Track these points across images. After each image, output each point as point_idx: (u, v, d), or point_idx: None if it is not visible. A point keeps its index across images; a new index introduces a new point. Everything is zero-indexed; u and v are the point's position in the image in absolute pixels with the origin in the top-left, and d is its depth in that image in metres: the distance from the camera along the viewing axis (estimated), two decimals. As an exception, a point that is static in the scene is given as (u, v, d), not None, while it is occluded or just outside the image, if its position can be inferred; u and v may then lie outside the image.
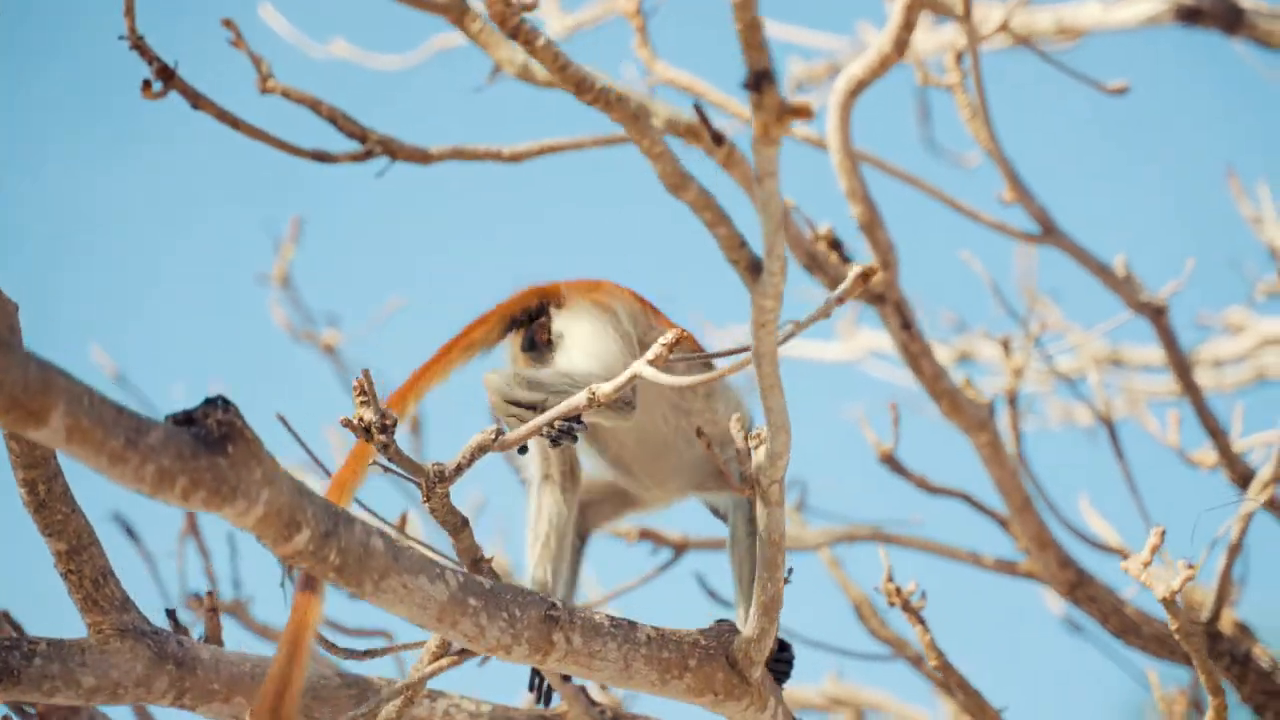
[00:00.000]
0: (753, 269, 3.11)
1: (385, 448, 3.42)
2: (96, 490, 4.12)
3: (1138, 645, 6.02)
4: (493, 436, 3.53)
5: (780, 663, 4.32)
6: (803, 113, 2.73)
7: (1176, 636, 4.33)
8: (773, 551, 3.73)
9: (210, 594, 4.08)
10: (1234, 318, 8.53)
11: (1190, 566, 4.45)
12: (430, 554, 3.44)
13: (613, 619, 3.71)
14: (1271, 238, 8.06)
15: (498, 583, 3.59)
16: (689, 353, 3.93)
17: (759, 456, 3.64)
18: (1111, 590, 6.00)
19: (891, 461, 5.86)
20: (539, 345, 4.28)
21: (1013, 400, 5.99)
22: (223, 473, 2.88)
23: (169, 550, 5.52)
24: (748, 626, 3.82)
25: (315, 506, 3.13)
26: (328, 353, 7.57)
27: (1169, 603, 4.25)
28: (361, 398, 3.38)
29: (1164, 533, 4.29)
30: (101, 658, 3.71)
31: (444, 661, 3.66)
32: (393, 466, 3.49)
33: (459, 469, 3.55)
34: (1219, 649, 6.06)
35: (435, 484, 3.55)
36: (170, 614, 3.89)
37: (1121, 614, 5.95)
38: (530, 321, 4.29)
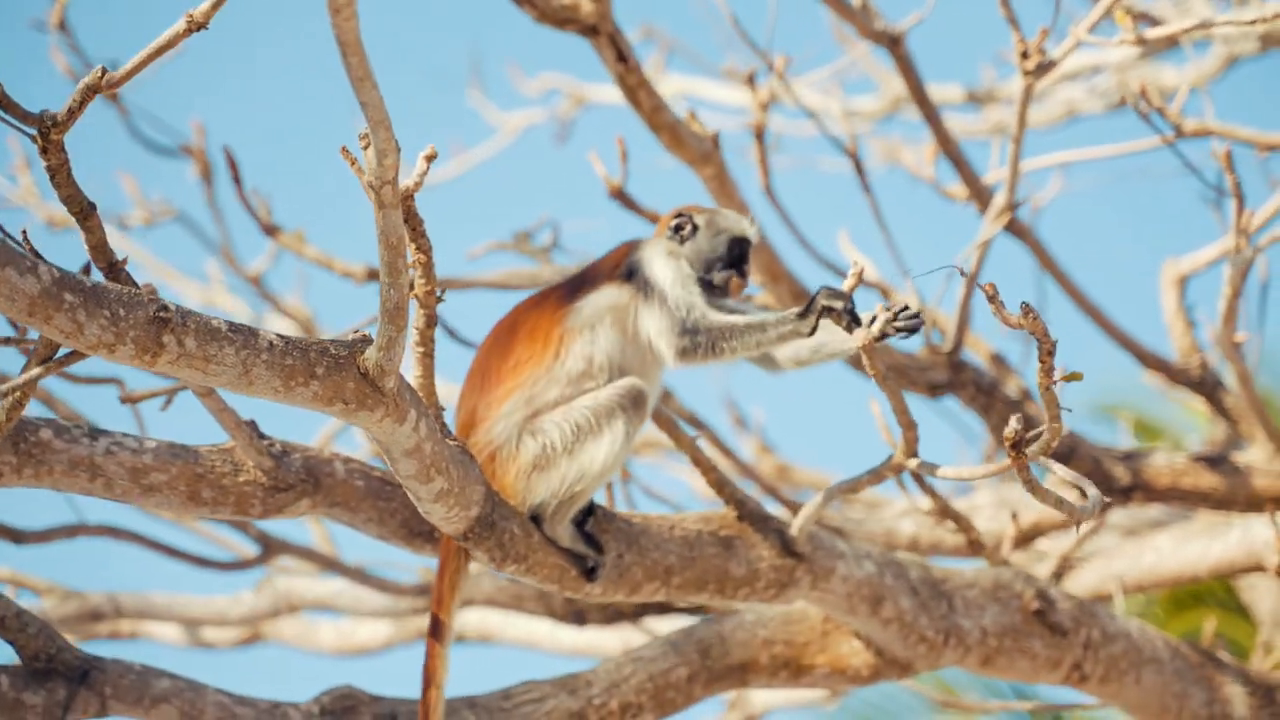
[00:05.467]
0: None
1: None
2: None
3: (885, 391, 6.07)
4: (99, 75, 3.49)
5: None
6: None
7: (870, 374, 4.38)
8: (392, 256, 3.70)
9: None
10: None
11: (887, 309, 4.49)
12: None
13: (233, 324, 3.68)
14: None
15: (106, 283, 3.55)
16: None
17: (368, 158, 3.59)
18: (848, 324, 6.02)
19: (621, 196, 5.82)
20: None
21: (760, 135, 5.95)
22: None
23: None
24: (376, 335, 3.80)
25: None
26: (112, 100, 7.44)
27: (868, 349, 4.29)
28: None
29: (862, 273, 4.38)
30: None
31: (50, 364, 3.63)
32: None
33: (71, 113, 3.49)
34: (962, 379, 6.14)
35: (49, 130, 3.49)
36: None
37: (856, 348, 5.99)
38: None
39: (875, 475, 4.65)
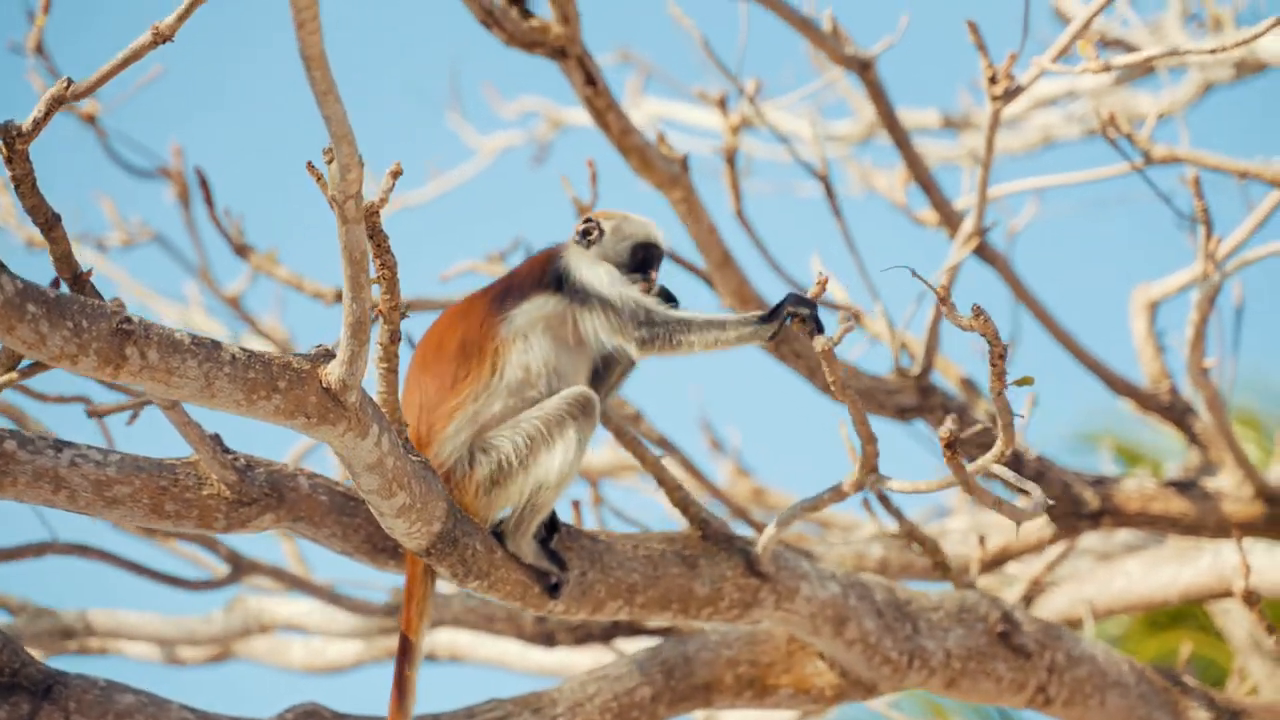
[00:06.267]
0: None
1: None
2: None
3: (843, 401, 6.09)
4: (65, 86, 3.52)
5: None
6: None
7: (832, 389, 4.40)
8: (354, 271, 3.73)
9: None
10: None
11: (849, 318, 4.53)
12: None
13: (196, 337, 3.70)
14: (1057, 1, 8.05)
15: (69, 295, 3.57)
16: None
17: (331, 173, 3.62)
18: (816, 346, 6.05)
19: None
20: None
21: (731, 159, 5.99)
22: None
23: None
24: (339, 350, 3.83)
25: None
26: (88, 122, 7.47)
27: (828, 355, 4.30)
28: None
29: (826, 282, 4.37)
30: None
31: (14, 374, 3.65)
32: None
33: (36, 124, 3.53)
34: (931, 402, 6.17)
35: (14, 140, 3.53)
36: None
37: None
38: None
39: (837, 493, 4.67)
